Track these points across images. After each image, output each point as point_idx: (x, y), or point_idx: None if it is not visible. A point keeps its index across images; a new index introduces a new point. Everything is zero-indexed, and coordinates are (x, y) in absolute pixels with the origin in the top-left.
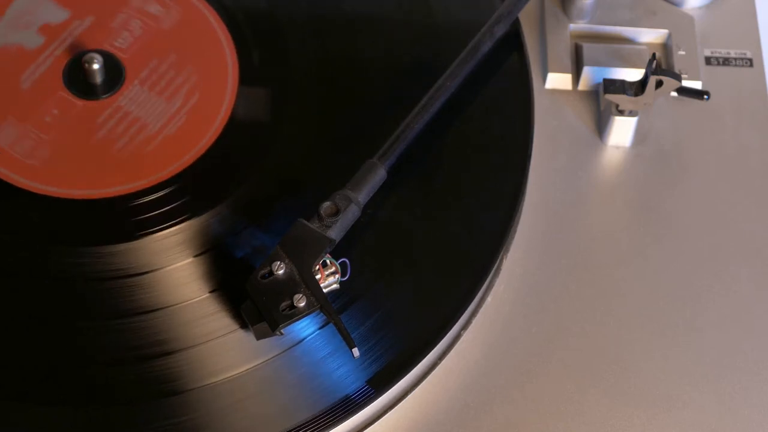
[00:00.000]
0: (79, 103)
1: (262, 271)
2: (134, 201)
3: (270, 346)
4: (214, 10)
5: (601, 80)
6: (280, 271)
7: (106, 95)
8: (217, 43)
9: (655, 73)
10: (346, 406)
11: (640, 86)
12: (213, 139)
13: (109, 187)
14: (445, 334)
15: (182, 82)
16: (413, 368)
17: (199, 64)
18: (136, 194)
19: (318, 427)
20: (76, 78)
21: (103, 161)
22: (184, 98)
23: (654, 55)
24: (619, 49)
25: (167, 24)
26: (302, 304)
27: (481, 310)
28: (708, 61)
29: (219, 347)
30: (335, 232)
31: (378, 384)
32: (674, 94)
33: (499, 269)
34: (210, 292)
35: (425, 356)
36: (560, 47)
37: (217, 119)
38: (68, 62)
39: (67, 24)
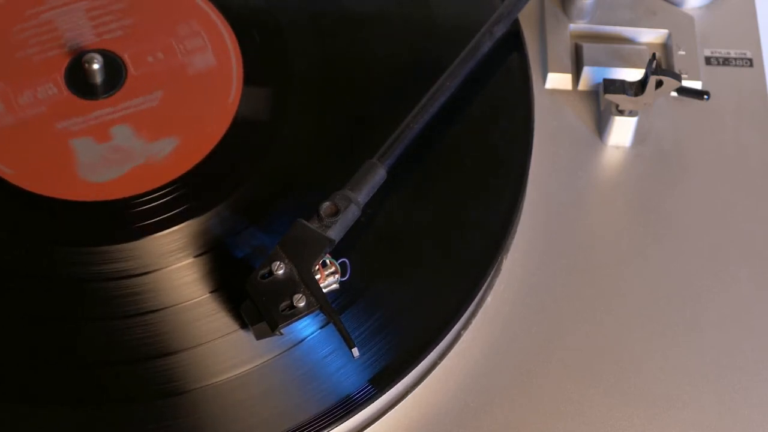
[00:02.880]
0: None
1: (262, 271)
2: (135, 201)
3: (270, 347)
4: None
5: (601, 80)
6: (280, 271)
7: (106, 95)
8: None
9: (655, 73)
10: (346, 406)
11: (640, 86)
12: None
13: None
14: (445, 334)
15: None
16: (413, 368)
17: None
18: (137, 195)
19: (318, 427)
20: (76, 78)
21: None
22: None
23: (654, 55)
24: (619, 49)
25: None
26: (302, 304)
27: (481, 310)
28: (708, 61)
29: (219, 347)
30: (335, 232)
31: (378, 384)
32: (674, 94)
33: (499, 269)
34: (210, 292)
35: (425, 356)
36: (560, 47)
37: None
38: (69, 62)
39: None
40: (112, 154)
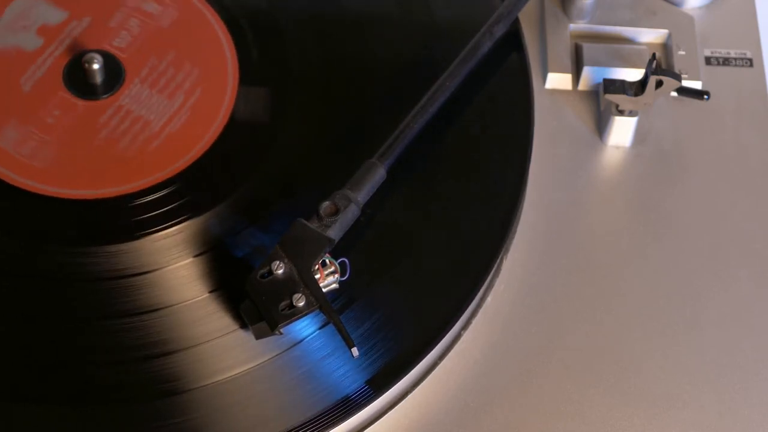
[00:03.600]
0: (80, 103)
1: (262, 271)
2: (134, 201)
3: (270, 346)
4: (213, 9)
5: (601, 80)
6: (280, 271)
7: (107, 95)
8: (217, 43)
9: (655, 73)
10: (346, 407)
11: (640, 86)
12: (213, 139)
13: (110, 187)
14: (445, 334)
15: (183, 79)
16: (413, 368)
17: (199, 61)
18: (136, 194)
19: (318, 427)
20: (76, 78)
21: (107, 161)
22: (185, 95)
23: (654, 55)
24: (619, 49)
25: (165, 22)
26: (301, 304)
27: (481, 310)
28: (708, 61)
29: (219, 347)
30: (335, 232)
31: (378, 384)
32: (674, 94)
33: (499, 269)
34: (210, 292)
35: (425, 356)
36: (560, 47)
37: (218, 119)
38: (68, 62)
39: (65, 25)
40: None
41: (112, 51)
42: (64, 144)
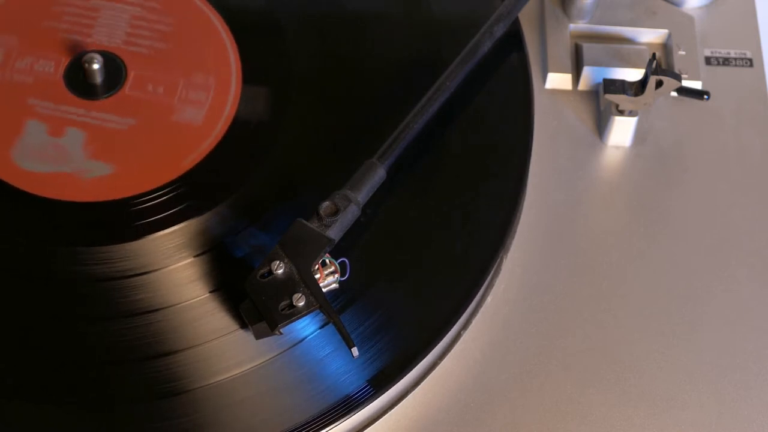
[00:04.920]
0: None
1: (262, 271)
2: (135, 201)
3: (270, 346)
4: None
5: (601, 80)
6: (280, 271)
7: (106, 95)
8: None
9: (655, 73)
10: (346, 406)
11: (640, 86)
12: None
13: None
14: (445, 334)
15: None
16: (413, 368)
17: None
18: (136, 195)
19: (318, 427)
20: (76, 78)
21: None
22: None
23: (654, 55)
24: (619, 49)
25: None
26: (301, 304)
27: (481, 310)
28: (708, 61)
29: (219, 347)
30: (334, 232)
31: (378, 384)
32: (674, 94)
33: (499, 269)
34: (210, 292)
35: (425, 356)
36: (560, 47)
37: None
38: (68, 63)
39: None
40: (52, 151)
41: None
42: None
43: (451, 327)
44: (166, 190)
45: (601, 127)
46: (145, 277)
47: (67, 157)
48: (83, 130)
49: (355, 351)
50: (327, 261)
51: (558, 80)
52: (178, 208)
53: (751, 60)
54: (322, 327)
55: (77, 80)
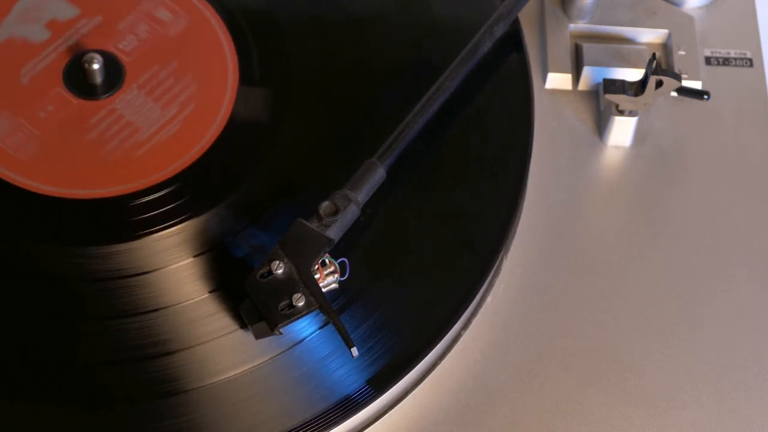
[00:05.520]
0: (75, 101)
1: (262, 271)
2: (134, 201)
3: (270, 346)
4: (217, 13)
5: (601, 80)
6: (279, 271)
7: (104, 96)
8: (218, 44)
9: (655, 73)
10: (346, 406)
11: (640, 86)
12: (213, 139)
13: (108, 187)
14: (445, 334)
15: (180, 91)
16: (413, 368)
17: (200, 70)
18: (135, 194)
19: (318, 427)
20: (76, 77)
21: (92, 161)
22: (180, 107)
23: (654, 55)
24: (619, 49)
25: (174, 31)
26: (301, 304)
27: (481, 310)
28: (708, 61)
29: (219, 347)
30: (334, 232)
31: (378, 384)
32: (674, 94)
33: (499, 269)
34: (210, 292)
35: (425, 356)
36: (560, 47)
37: (217, 119)
38: (69, 60)
39: (74, 21)
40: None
41: (116, 53)
42: (52, 140)
43: (451, 327)
44: (166, 189)
45: (601, 127)
46: (144, 277)
47: None
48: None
49: (354, 351)
50: (327, 261)
51: (558, 80)
52: (178, 207)
53: (751, 60)
54: (321, 327)
55: (77, 80)
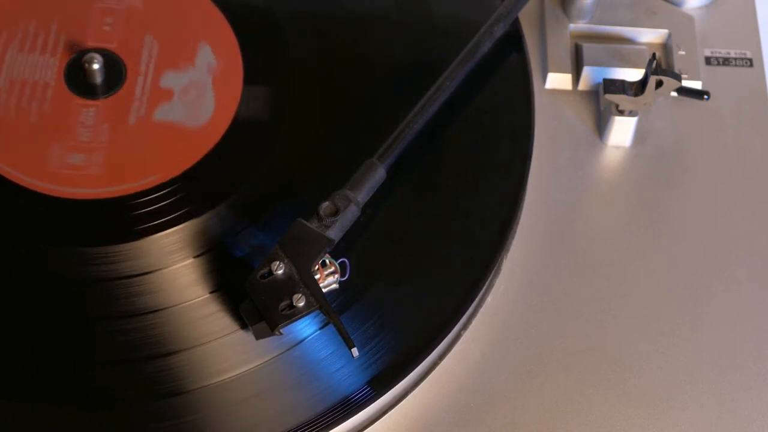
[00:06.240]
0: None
1: (262, 271)
2: (134, 201)
3: (270, 347)
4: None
5: (601, 80)
6: (280, 271)
7: (106, 95)
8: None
9: (655, 73)
10: (346, 407)
11: (640, 86)
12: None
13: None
14: (445, 334)
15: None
16: (413, 368)
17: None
18: (136, 194)
19: (318, 428)
20: (76, 78)
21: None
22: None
23: (654, 55)
24: (619, 49)
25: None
26: (301, 304)
27: (481, 310)
28: (708, 61)
29: (219, 348)
30: (334, 232)
31: (378, 385)
32: (674, 94)
33: (499, 269)
34: (210, 292)
35: (425, 356)
36: (560, 47)
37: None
38: (68, 62)
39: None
40: None
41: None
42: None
43: (451, 327)
44: (166, 189)
45: (601, 127)
46: (145, 277)
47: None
48: None
49: (355, 351)
50: (327, 261)
51: (558, 80)
52: (178, 207)
53: (751, 60)
54: (322, 327)
55: (77, 80)
